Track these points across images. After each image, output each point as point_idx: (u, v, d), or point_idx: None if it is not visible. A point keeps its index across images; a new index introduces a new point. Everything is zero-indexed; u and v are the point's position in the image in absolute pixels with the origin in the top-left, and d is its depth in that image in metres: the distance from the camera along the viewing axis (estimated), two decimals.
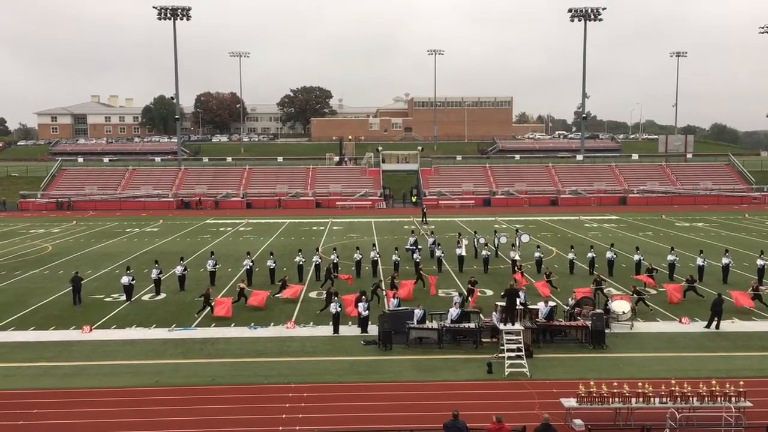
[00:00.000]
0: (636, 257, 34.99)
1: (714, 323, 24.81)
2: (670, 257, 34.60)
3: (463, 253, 37.20)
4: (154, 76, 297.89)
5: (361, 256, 35.69)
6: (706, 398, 16.50)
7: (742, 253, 40.82)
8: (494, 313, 23.42)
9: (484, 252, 37.41)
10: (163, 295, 31.10)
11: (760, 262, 33.02)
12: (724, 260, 33.52)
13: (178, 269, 32.80)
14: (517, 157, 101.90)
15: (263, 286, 31.48)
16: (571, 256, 36.20)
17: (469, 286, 28.35)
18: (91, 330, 25.18)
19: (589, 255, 35.54)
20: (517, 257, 35.61)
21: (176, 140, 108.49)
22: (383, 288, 30.37)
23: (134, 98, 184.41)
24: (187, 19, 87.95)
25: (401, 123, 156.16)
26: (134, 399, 18.51)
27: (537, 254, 36.70)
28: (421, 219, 60.91)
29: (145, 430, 16.59)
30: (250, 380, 19.93)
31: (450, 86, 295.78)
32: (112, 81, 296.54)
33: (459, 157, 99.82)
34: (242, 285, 29.61)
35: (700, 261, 33.67)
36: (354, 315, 25.11)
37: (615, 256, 35.64)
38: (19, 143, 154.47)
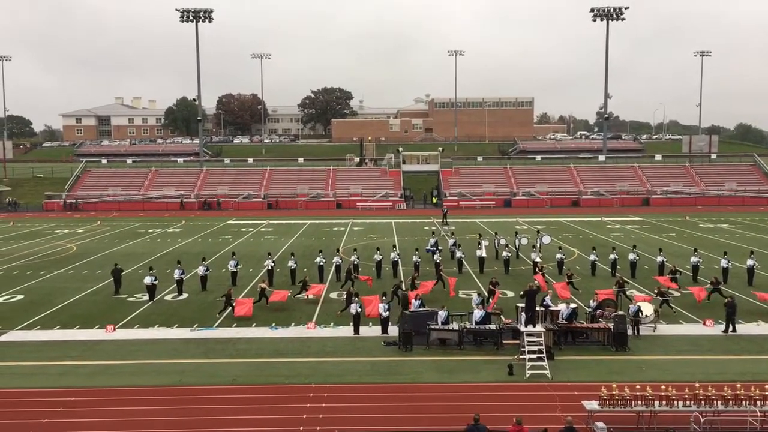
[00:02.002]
0: (659, 259, 34.62)
1: (731, 327, 24.44)
2: (693, 259, 34.18)
3: (484, 255, 37.06)
4: (176, 78, 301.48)
5: (381, 257, 35.73)
6: (730, 402, 16.28)
7: None
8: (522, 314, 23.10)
9: (504, 253, 37.28)
10: (185, 295, 31.38)
11: None
12: (749, 262, 33.06)
13: (201, 269, 33.04)
14: (539, 157, 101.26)
15: (284, 287, 31.59)
16: (593, 257, 35.92)
17: (491, 287, 28.23)
18: (114, 329, 25.48)
19: (612, 256, 35.28)
20: (538, 258, 35.41)
21: (198, 141, 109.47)
22: (404, 289, 30.33)
23: (157, 100, 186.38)
24: (209, 22, 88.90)
25: (422, 124, 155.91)
26: (157, 398, 18.71)
27: (558, 255, 36.47)
28: (441, 220, 60.84)
29: (166, 428, 16.75)
30: (271, 380, 20.03)
31: (470, 86, 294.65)
32: (136, 83, 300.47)
33: (480, 158, 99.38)
34: (263, 285, 29.75)
35: (724, 263, 33.22)
36: (374, 316, 25.13)
37: (638, 257, 35.30)
38: (44, 145, 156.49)
